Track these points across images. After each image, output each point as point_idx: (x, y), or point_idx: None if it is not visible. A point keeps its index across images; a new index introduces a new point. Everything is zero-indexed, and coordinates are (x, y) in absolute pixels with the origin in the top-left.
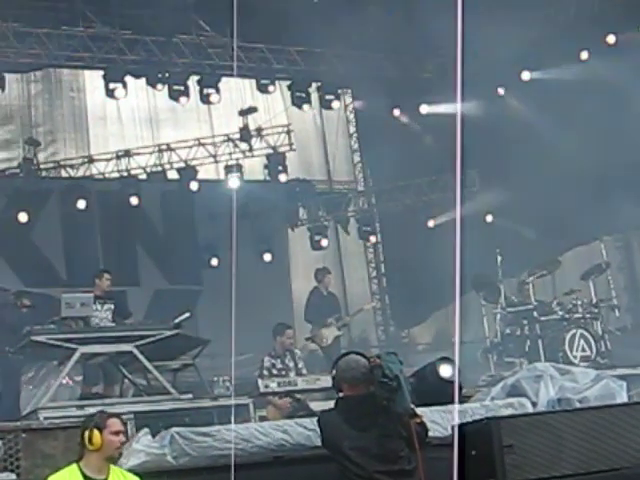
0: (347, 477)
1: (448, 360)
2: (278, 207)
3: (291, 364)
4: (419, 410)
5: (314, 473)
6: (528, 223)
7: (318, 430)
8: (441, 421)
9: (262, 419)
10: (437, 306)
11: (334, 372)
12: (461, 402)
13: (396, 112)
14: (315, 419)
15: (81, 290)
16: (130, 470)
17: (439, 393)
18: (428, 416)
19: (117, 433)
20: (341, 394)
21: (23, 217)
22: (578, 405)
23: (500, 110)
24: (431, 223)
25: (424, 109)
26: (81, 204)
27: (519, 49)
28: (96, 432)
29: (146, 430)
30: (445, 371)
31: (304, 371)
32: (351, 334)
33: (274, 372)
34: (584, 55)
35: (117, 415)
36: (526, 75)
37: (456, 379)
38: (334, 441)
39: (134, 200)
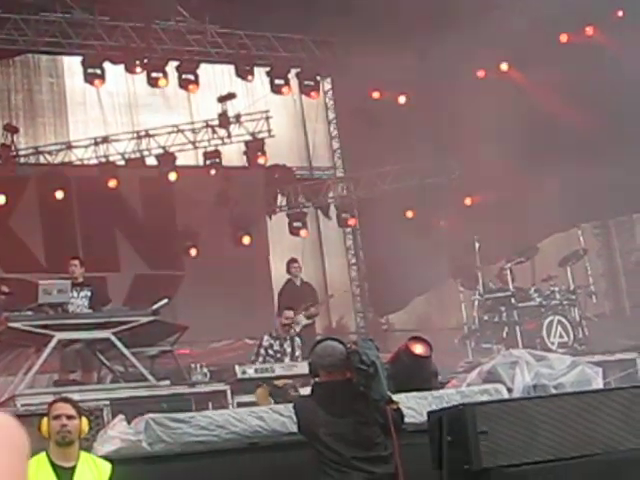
0: (323, 463)
1: (419, 338)
2: (257, 193)
3: (289, 349)
4: (395, 397)
5: (290, 459)
6: (507, 209)
7: (294, 416)
8: (417, 407)
9: (240, 405)
10: (417, 292)
11: (311, 358)
12: (437, 388)
13: (375, 97)
14: (290, 405)
15: (60, 277)
16: (104, 457)
17: (415, 370)
18: (404, 402)
19: (57, 417)
20: (317, 380)
21: (1, 203)
22: (554, 391)
23: (480, 94)
24: (410, 214)
25: (402, 99)
26: (59, 190)
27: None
28: (44, 420)
29: (121, 417)
30: (417, 348)
31: (300, 359)
32: (330, 320)
33: (270, 352)
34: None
35: (64, 398)
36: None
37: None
38: (310, 427)
39: (113, 186)
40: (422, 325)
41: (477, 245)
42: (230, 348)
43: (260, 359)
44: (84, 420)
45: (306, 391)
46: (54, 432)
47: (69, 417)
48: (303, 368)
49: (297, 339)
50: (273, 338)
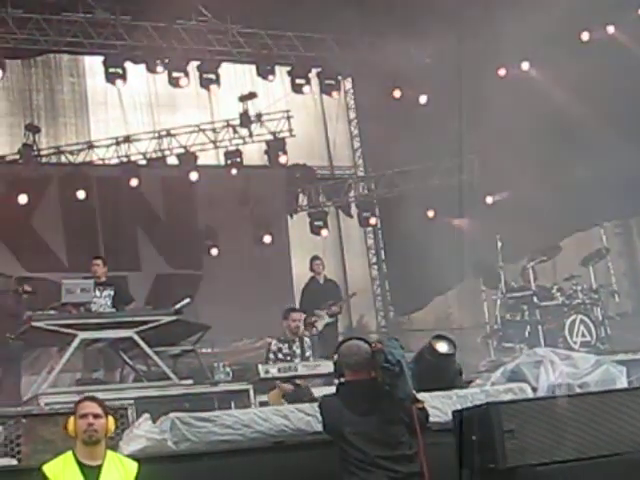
0: (348, 462)
1: (443, 337)
2: (278, 193)
3: (298, 351)
4: (420, 396)
5: (314, 458)
6: (529, 208)
7: (319, 415)
8: (441, 406)
9: (262, 404)
10: (437, 291)
11: (335, 357)
12: (461, 388)
13: (396, 97)
14: (315, 404)
15: (82, 276)
16: (130, 456)
17: (438, 369)
18: (429, 401)
19: (83, 416)
20: (342, 379)
21: (23, 203)
22: (578, 390)
23: (501, 92)
24: (431, 213)
25: (423, 98)
26: (81, 190)
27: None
28: (71, 419)
29: (147, 416)
30: (441, 347)
31: (311, 359)
32: (350, 319)
33: (280, 356)
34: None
35: (91, 398)
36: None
37: None
38: (336, 426)
39: (134, 185)
40: (443, 324)
41: (499, 244)
42: (252, 347)
43: (270, 364)
44: (110, 419)
45: (320, 391)
46: (81, 431)
47: (96, 416)
48: (326, 367)
49: (306, 339)
50: (281, 341)
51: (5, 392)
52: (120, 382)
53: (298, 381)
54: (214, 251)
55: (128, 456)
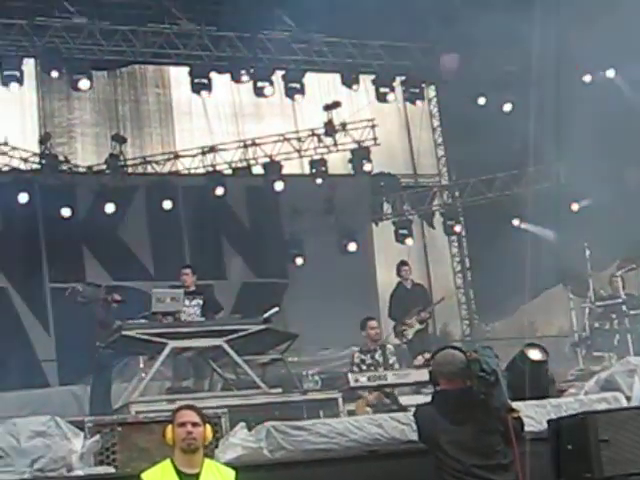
0: (443, 471)
1: (535, 345)
2: (363, 201)
3: (381, 359)
4: (514, 405)
5: (409, 467)
6: (615, 215)
7: (414, 424)
8: (536, 416)
9: (350, 413)
10: (522, 300)
11: (431, 366)
12: (555, 397)
13: (480, 105)
14: (409, 413)
15: (169, 285)
16: (227, 464)
17: (531, 377)
18: (523, 410)
19: (182, 424)
20: (438, 388)
21: (110, 212)
22: None
23: (586, 98)
24: (516, 221)
25: (507, 105)
26: (167, 200)
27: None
28: (169, 427)
29: (242, 424)
30: (534, 354)
31: (396, 366)
32: (435, 328)
33: (363, 368)
34: None
35: (189, 406)
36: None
37: None
38: (431, 435)
39: (219, 195)
40: (527, 333)
41: (587, 252)
42: (338, 356)
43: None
44: (208, 427)
45: (411, 400)
46: (179, 439)
47: (194, 424)
48: (416, 376)
49: (389, 346)
50: (363, 352)
51: (96, 400)
52: (208, 391)
53: (388, 390)
54: (299, 260)
55: (224, 464)
